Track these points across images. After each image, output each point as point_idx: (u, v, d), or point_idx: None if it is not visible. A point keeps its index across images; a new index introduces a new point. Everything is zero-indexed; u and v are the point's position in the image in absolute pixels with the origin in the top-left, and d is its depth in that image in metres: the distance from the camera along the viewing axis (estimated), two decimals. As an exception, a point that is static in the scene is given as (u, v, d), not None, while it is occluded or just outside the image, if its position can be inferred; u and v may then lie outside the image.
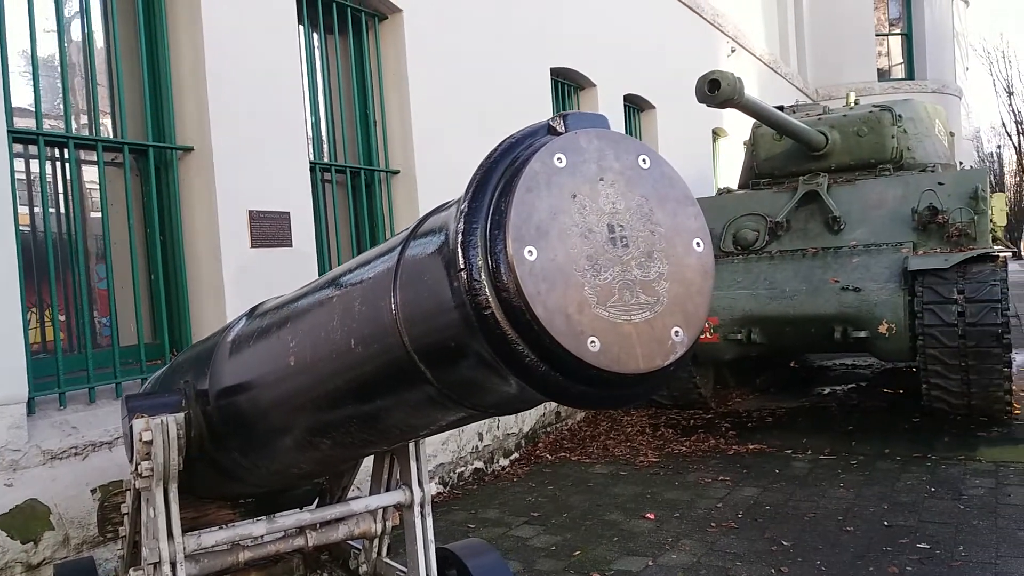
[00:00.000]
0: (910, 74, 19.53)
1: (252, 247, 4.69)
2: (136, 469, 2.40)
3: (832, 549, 4.37)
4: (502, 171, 1.34)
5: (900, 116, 7.98)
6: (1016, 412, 6.71)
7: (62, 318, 4.21)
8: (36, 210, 4.06)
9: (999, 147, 41.95)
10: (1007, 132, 34.97)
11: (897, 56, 20.03)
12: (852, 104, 8.77)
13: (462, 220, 1.31)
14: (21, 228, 3.90)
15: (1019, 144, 33.15)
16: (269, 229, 4.77)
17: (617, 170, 1.38)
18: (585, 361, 1.26)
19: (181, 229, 4.59)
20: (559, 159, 1.33)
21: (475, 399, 1.52)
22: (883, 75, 19.57)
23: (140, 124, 4.52)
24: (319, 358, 1.85)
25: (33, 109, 4.07)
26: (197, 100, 4.57)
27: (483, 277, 1.27)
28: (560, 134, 1.38)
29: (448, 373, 1.47)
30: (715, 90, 6.01)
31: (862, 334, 6.44)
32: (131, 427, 2.43)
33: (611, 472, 6.19)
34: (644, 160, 1.42)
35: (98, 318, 4.41)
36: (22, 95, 4.06)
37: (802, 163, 8.03)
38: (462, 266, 1.29)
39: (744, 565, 4.23)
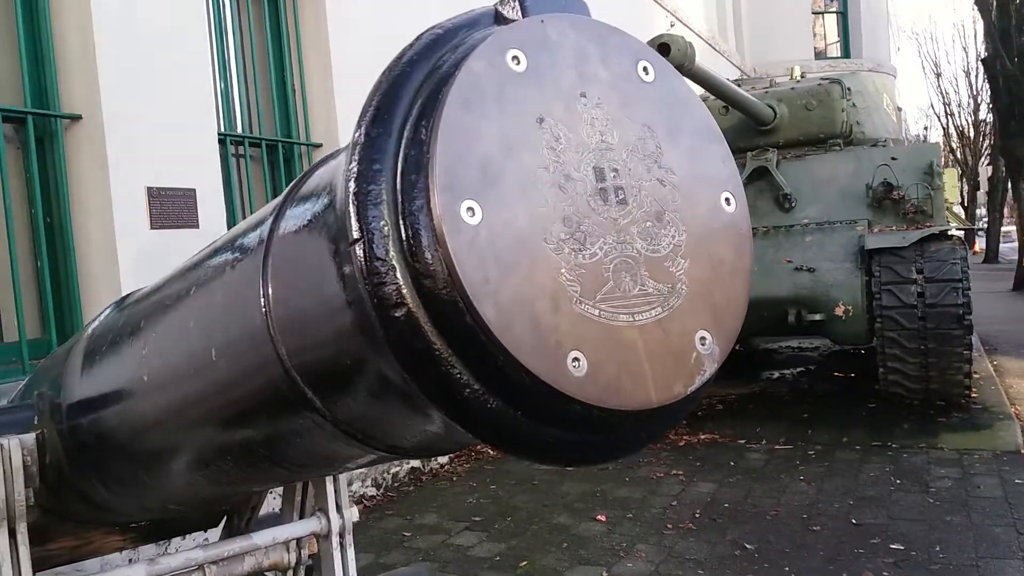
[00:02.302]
0: (846, 52, 19.48)
1: (152, 228, 4.13)
2: (-25, 505, 1.92)
3: (800, 552, 4.03)
4: (422, 78, 0.87)
5: (849, 89, 7.69)
6: (974, 396, 6.50)
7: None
8: None
9: (926, 128, 42.70)
10: (935, 113, 35.50)
11: (833, 35, 19.98)
12: (798, 78, 8.47)
13: (356, 159, 0.84)
14: None
15: (947, 125, 33.64)
16: (172, 208, 4.21)
17: (607, 81, 0.92)
18: (564, 392, 0.81)
19: (69, 209, 4.01)
20: (515, 58, 0.86)
21: (388, 440, 1.06)
22: (819, 55, 19.50)
23: (16, 88, 3.91)
24: (175, 373, 1.37)
25: None
26: (85, 62, 3.98)
27: (391, 253, 0.80)
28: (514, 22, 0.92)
29: (344, 403, 1.00)
30: (664, 55, 5.59)
31: (817, 317, 6.15)
32: (-35, 452, 1.95)
33: (557, 468, 5.78)
34: (646, 69, 0.96)
35: (-32, 312, 3.82)
36: None
37: (750, 138, 7.69)
38: (356, 235, 0.81)
39: (707, 573, 3.85)
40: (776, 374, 8.68)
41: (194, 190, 4.34)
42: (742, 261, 0.96)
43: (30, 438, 1.96)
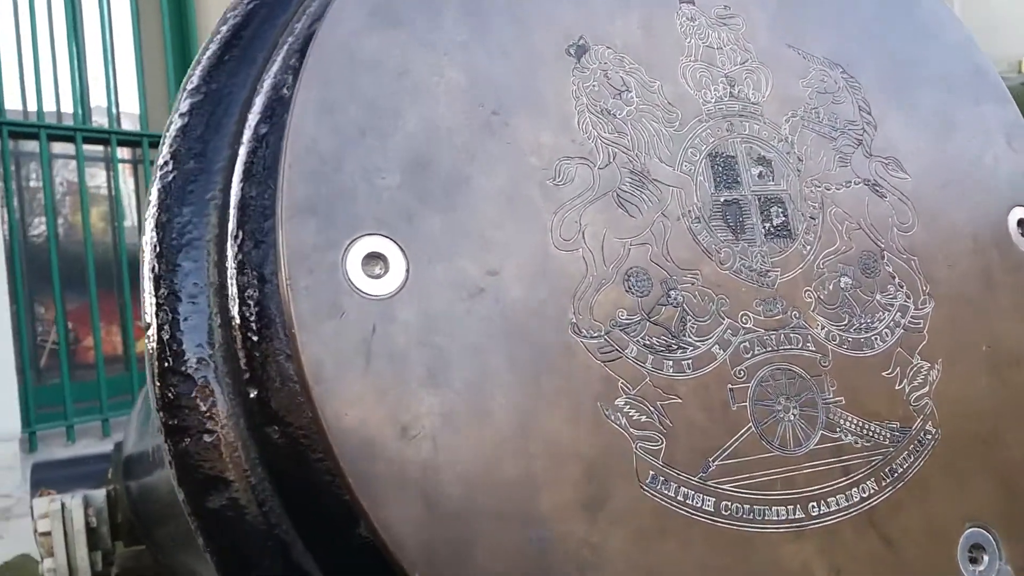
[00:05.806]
0: (1081, 43, 17.45)
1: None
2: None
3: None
4: None
5: (1093, 81, 6.64)
6: None
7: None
8: (30, 215, 3.48)
9: None
10: None
11: (1063, 24, 17.98)
12: (1024, 71, 7.48)
13: (166, 141, 0.45)
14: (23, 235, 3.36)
15: None
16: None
17: None
18: None
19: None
20: None
21: None
22: (1045, 47, 17.58)
23: (165, 114, 3.85)
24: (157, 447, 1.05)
25: (33, 98, 3.45)
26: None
27: (206, 359, 0.37)
28: None
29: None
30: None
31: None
32: (31, 508, 1.75)
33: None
34: None
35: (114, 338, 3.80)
36: (16, 81, 3.41)
37: (967, 142, 6.81)
38: (146, 315, 0.39)
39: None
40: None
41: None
42: None
43: (99, 495, 1.72)
